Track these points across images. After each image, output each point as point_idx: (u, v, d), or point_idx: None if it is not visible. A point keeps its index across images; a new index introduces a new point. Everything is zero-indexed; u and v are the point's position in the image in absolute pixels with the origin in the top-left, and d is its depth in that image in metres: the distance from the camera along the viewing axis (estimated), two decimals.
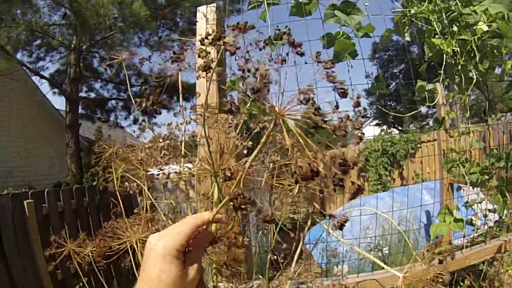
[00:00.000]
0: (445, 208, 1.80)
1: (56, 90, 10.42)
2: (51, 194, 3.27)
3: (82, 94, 10.62)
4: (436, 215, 1.94)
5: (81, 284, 3.10)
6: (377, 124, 19.40)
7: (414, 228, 3.31)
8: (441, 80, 1.67)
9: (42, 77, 9.56)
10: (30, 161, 9.46)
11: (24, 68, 8.92)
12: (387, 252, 2.24)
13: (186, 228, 0.56)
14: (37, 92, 10.00)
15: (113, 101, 11.25)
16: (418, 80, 1.85)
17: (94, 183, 7.31)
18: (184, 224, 0.57)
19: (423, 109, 6.47)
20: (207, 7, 1.52)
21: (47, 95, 10.39)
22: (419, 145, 7.27)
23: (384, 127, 18.68)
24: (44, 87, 18.99)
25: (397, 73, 18.80)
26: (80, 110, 10.10)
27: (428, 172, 7.05)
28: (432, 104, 1.78)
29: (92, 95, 11.32)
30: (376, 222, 2.07)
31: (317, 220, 1.36)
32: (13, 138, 9.11)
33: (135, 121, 11.21)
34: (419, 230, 3.38)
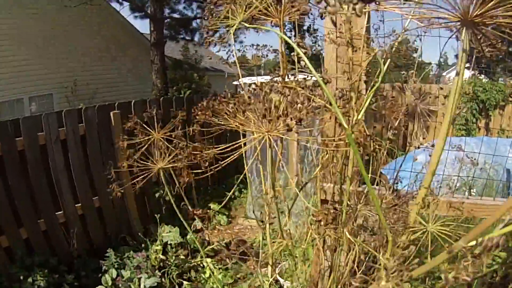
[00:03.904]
0: None
1: (137, 14, 10.57)
2: (138, 104, 3.27)
3: (166, 16, 10.61)
4: None
5: (161, 191, 3.34)
6: (467, 67, 17.28)
7: (495, 181, 3.05)
8: None
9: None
10: (113, 82, 9.81)
11: None
12: (474, 192, 2.10)
13: None
14: (118, 16, 10.13)
15: (198, 20, 10.99)
16: None
17: (181, 96, 7.54)
18: None
19: None
20: None
21: (128, 18, 10.56)
22: (510, 98, 6.43)
23: (475, 72, 16.57)
24: (125, 11, 19.41)
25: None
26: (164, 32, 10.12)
27: None
28: None
29: (176, 16, 11.23)
30: (459, 165, 1.92)
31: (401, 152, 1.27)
32: (94, 61, 9.35)
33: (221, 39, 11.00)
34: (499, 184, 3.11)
